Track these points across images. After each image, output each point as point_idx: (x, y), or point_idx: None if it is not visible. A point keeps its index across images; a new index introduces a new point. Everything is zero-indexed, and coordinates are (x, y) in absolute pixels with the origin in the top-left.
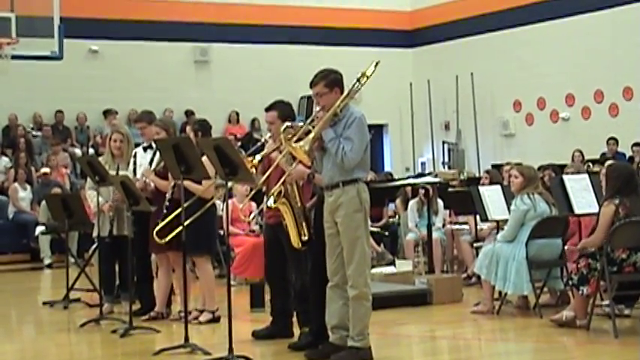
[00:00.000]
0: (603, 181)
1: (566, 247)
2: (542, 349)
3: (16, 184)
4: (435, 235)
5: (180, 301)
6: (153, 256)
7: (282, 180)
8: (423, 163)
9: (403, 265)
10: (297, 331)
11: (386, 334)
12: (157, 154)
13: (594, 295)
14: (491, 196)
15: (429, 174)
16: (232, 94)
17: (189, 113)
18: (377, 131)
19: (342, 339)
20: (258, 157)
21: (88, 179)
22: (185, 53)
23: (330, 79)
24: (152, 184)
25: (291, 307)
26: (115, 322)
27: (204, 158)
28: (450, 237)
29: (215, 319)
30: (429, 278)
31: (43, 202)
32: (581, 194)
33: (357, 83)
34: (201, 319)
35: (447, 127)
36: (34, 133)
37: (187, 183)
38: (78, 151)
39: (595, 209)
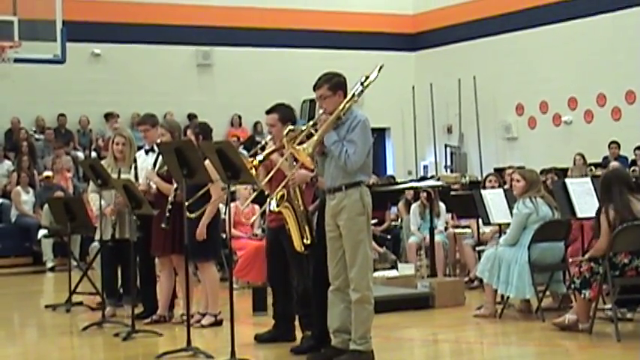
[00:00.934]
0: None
1: (570, 260)
2: (544, 353)
3: (18, 188)
4: (437, 238)
5: (183, 305)
6: (156, 259)
7: (284, 183)
8: (425, 167)
9: (405, 269)
10: (299, 334)
11: (388, 338)
12: (151, 158)
13: (596, 298)
14: (493, 199)
15: (432, 177)
16: (235, 97)
17: (191, 117)
18: (379, 135)
19: (344, 343)
20: (259, 157)
21: (91, 182)
22: (188, 57)
23: (333, 82)
24: (154, 187)
25: (293, 311)
26: (118, 325)
27: (207, 162)
28: (453, 240)
29: (217, 323)
30: (432, 282)
31: (46, 206)
32: (584, 198)
33: (361, 87)
34: (204, 322)
35: (449, 130)
36: (36, 136)
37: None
38: (80, 155)
39: None
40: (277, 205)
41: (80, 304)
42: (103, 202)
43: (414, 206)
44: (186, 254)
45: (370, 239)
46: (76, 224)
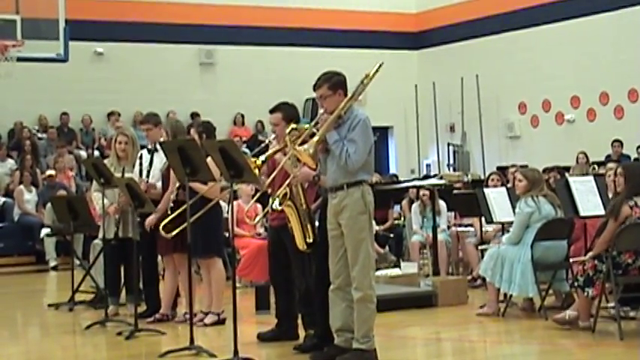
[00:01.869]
0: (620, 179)
1: (571, 260)
2: (547, 352)
3: (21, 187)
4: (440, 237)
5: (186, 303)
6: (159, 258)
7: (287, 182)
8: (428, 165)
9: (408, 267)
10: (302, 333)
11: (391, 336)
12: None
13: (599, 297)
14: (496, 198)
15: (434, 176)
16: (237, 96)
17: (194, 115)
18: (382, 133)
19: (347, 341)
20: (262, 157)
21: (94, 181)
22: (190, 55)
23: (333, 82)
24: (158, 186)
25: (296, 310)
26: (121, 324)
27: (209, 160)
28: (455, 239)
29: (220, 322)
30: (434, 280)
31: (49, 205)
32: (587, 196)
33: (361, 85)
34: (207, 321)
35: (452, 129)
36: (39, 135)
37: (193, 184)
38: (83, 154)
39: (600, 211)
40: (280, 204)
41: (83, 302)
42: (106, 201)
43: (415, 205)
44: (189, 253)
45: (372, 238)
46: (79, 223)
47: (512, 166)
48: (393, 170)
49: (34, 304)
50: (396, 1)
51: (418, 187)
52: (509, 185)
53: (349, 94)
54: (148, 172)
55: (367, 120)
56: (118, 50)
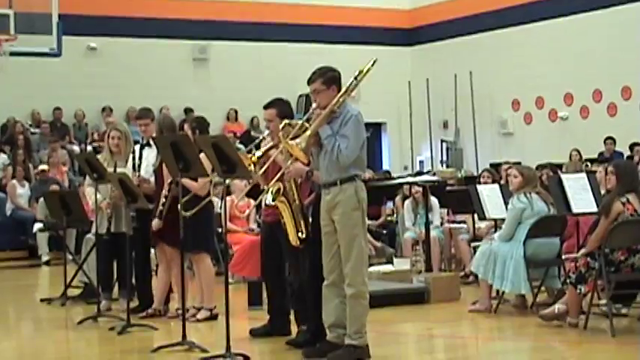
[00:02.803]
0: (612, 178)
1: (564, 257)
2: (539, 348)
3: (14, 181)
4: (432, 233)
5: (178, 299)
6: (152, 253)
7: (279, 177)
8: (421, 162)
9: (401, 264)
10: (294, 329)
11: (383, 333)
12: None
13: (591, 293)
14: (489, 195)
15: (428, 172)
16: (231, 92)
17: (188, 111)
18: (375, 129)
19: (340, 337)
20: (258, 153)
21: (87, 176)
22: (184, 51)
23: (327, 77)
24: (151, 180)
25: (288, 306)
26: (113, 319)
27: (202, 155)
28: (448, 235)
29: (213, 317)
30: (427, 277)
31: (42, 200)
32: (580, 194)
33: (354, 81)
34: (199, 316)
35: (445, 125)
36: (32, 130)
37: (183, 180)
38: (76, 149)
39: (593, 209)
40: (273, 199)
41: (75, 297)
42: (99, 196)
43: (407, 202)
44: (181, 248)
45: (365, 234)
46: (72, 218)
47: (506, 163)
48: (386, 166)
49: (26, 299)
50: None
51: (411, 184)
52: (501, 182)
53: (342, 90)
54: (139, 166)
55: (359, 115)
56: (112, 45)
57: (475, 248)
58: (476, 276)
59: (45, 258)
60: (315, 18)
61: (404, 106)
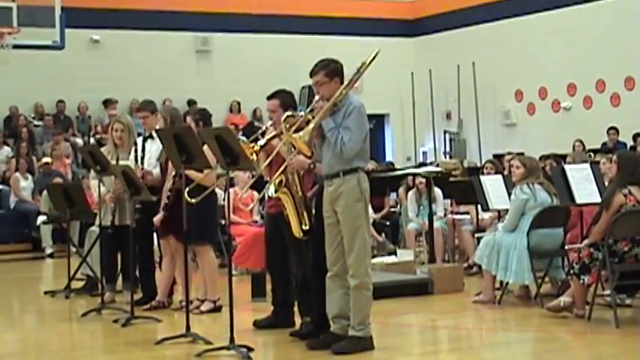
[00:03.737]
0: (613, 168)
1: (566, 247)
2: (543, 339)
3: (17, 174)
4: (436, 224)
5: (182, 291)
6: (155, 246)
7: (282, 169)
8: (424, 153)
9: (404, 255)
10: (298, 320)
11: (387, 324)
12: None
13: (595, 284)
14: (492, 185)
15: (431, 163)
16: (233, 83)
17: (190, 103)
18: (378, 121)
19: (343, 328)
20: (261, 142)
21: (92, 170)
22: (186, 43)
23: (330, 69)
24: (155, 172)
25: (292, 297)
26: (117, 311)
27: (205, 147)
28: (452, 227)
29: (216, 309)
30: (431, 268)
31: (45, 192)
32: (583, 184)
33: (357, 73)
34: (203, 308)
35: (448, 116)
36: (35, 122)
37: (188, 171)
38: (79, 141)
39: (597, 199)
40: (276, 191)
41: (79, 290)
42: (103, 189)
43: (411, 193)
44: (185, 240)
45: (369, 225)
46: (75, 210)
47: (509, 153)
48: (389, 158)
49: (30, 292)
50: None
51: (414, 175)
52: (505, 173)
53: (345, 82)
54: (142, 158)
55: (362, 107)
56: (114, 38)
57: (478, 239)
58: (479, 267)
59: (49, 250)
60: (317, 10)
61: (407, 98)
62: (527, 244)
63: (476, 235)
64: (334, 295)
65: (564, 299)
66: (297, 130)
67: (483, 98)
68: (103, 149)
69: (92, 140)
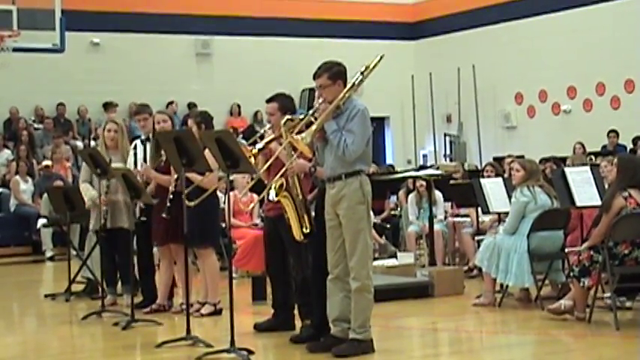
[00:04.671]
0: (613, 172)
1: (567, 250)
2: (543, 342)
3: (17, 177)
4: (436, 227)
5: (182, 294)
6: (155, 248)
7: (282, 172)
8: (424, 156)
9: (405, 258)
10: (298, 323)
11: (388, 327)
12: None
13: (595, 287)
14: (492, 188)
15: (431, 166)
16: (234, 86)
17: (191, 106)
18: (379, 124)
19: (344, 331)
20: (258, 145)
21: (82, 172)
22: (187, 46)
23: (333, 72)
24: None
25: (292, 300)
26: (117, 314)
27: (206, 151)
28: (452, 229)
29: (217, 312)
30: (431, 270)
31: (45, 195)
32: (583, 187)
33: (360, 76)
34: (203, 311)
35: (448, 119)
36: (35, 125)
37: (190, 174)
38: (79, 144)
39: (597, 202)
40: (276, 195)
41: (79, 293)
42: (94, 192)
43: (411, 196)
44: (185, 243)
45: (370, 228)
46: (76, 213)
47: (509, 156)
48: (389, 161)
49: (30, 295)
50: None
51: (415, 178)
52: (505, 176)
53: (348, 85)
54: (144, 159)
55: (366, 110)
56: (115, 41)
57: (479, 242)
58: (480, 270)
59: (49, 253)
60: (318, 13)
61: (407, 100)
62: (527, 246)
63: (476, 238)
64: (335, 298)
65: (565, 302)
66: (299, 132)
67: (483, 101)
68: None
69: (92, 143)
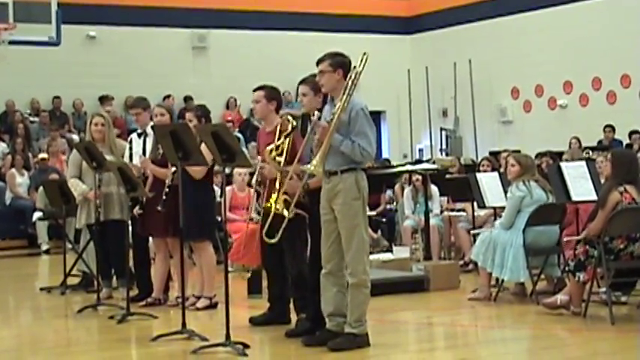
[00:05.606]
0: (608, 166)
1: (564, 239)
2: (538, 336)
3: (13, 170)
4: (432, 221)
5: (178, 287)
6: (150, 241)
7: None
8: (420, 150)
9: (400, 252)
10: (294, 317)
11: (383, 321)
12: (148, 141)
13: (591, 281)
14: (488, 182)
15: (427, 161)
16: (230, 80)
17: (187, 99)
18: (375, 118)
19: (339, 325)
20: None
21: (70, 168)
22: (183, 39)
23: (336, 60)
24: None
25: (288, 294)
26: (113, 308)
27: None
28: (448, 224)
29: (212, 306)
30: (426, 265)
31: (41, 188)
32: (579, 181)
33: (352, 82)
34: (199, 305)
35: (444, 113)
36: (31, 118)
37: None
38: (75, 137)
39: (592, 196)
40: (289, 211)
41: (75, 286)
42: (84, 187)
43: (407, 190)
44: (181, 237)
45: (366, 223)
46: (71, 207)
47: (505, 151)
48: (385, 155)
49: (26, 288)
50: None
51: (411, 172)
52: (501, 170)
53: (342, 94)
54: (144, 153)
55: (365, 107)
56: (111, 34)
57: (474, 236)
58: (475, 264)
59: (44, 247)
60: (314, 7)
61: (403, 95)
62: (523, 241)
63: (472, 233)
64: (329, 293)
65: (561, 297)
66: (280, 153)
67: (480, 95)
68: None
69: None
